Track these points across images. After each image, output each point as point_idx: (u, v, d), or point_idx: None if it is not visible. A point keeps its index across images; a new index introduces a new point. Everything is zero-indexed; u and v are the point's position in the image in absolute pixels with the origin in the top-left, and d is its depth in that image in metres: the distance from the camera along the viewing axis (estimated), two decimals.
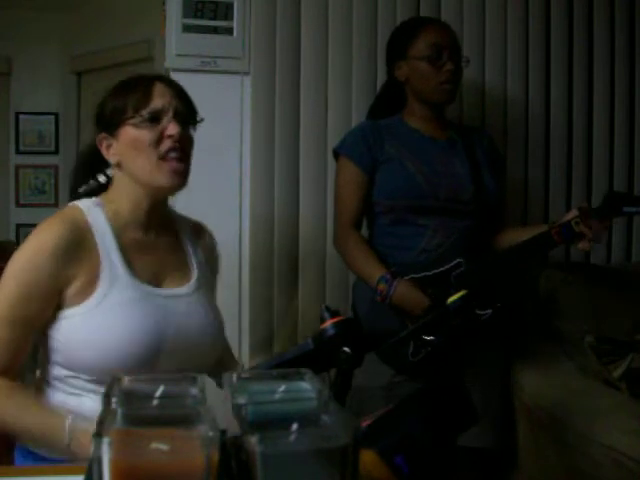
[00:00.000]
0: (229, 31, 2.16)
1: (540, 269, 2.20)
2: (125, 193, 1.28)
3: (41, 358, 1.27)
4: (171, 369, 1.20)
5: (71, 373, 1.21)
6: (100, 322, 1.18)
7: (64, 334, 1.20)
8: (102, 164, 1.31)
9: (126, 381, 0.77)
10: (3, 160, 4.19)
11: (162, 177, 1.25)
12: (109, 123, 1.27)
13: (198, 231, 1.46)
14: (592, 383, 1.79)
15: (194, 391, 0.75)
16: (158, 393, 0.74)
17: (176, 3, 2.11)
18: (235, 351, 2.14)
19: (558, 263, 2.35)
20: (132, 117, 1.24)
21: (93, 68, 3.70)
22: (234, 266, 2.17)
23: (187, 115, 1.30)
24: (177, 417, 0.68)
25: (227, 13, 2.16)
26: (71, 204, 1.28)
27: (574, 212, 1.71)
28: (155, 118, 1.24)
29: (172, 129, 1.25)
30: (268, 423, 0.66)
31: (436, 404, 0.91)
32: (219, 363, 1.41)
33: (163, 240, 1.33)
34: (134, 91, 1.26)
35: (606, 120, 2.48)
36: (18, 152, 4.20)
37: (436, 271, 1.74)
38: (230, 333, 2.14)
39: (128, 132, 1.24)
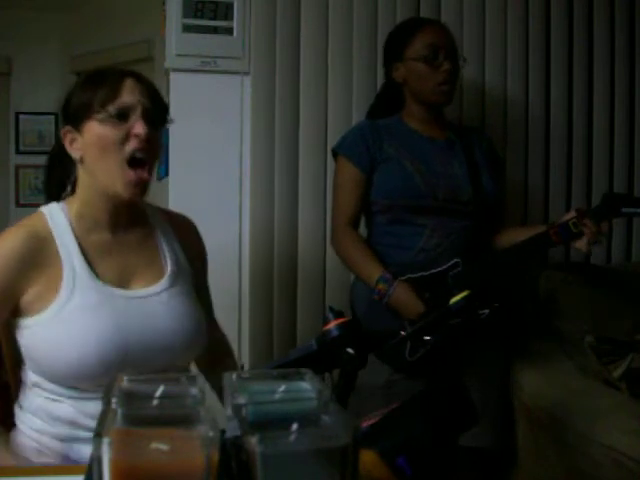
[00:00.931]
0: (229, 31, 2.16)
1: (540, 269, 2.21)
2: (87, 193, 1.24)
3: (17, 364, 1.26)
4: (145, 369, 1.15)
5: (43, 379, 1.20)
6: (61, 329, 1.16)
7: (29, 342, 1.19)
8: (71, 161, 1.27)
9: (126, 381, 0.77)
10: (3, 160, 4.19)
11: (122, 186, 1.19)
12: (74, 116, 1.22)
13: (179, 225, 1.40)
14: (592, 383, 1.79)
15: (194, 391, 0.75)
16: (158, 393, 0.74)
17: (176, 3, 2.11)
18: (235, 352, 2.15)
19: (558, 263, 2.35)
20: (98, 112, 1.18)
21: (93, 68, 3.69)
22: (234, 266, 2.18)
23: (157, 114, 1.23)
24: (177, 417, 0.68)
25: (227, 13, 2.16)
26: (38, 210, 1.25)
27: (572, 213, 1.71)
28: (122, 115, 1.19)
29: (139, 128, 1.18)
30: (268, 423, 0.66)
31: (437, 405, 0.91)
32: (212, 363, 1.39)
33: (132, 238, 1.29)
34: (103, 85, 1.20)
35: (606, 120, 2.48)
36: (18, 152, 4.19)
37: (434, 271, 1.74)
38: (230, 333, 2.15)
39: (93, 128, 1.19)
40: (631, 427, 1.51)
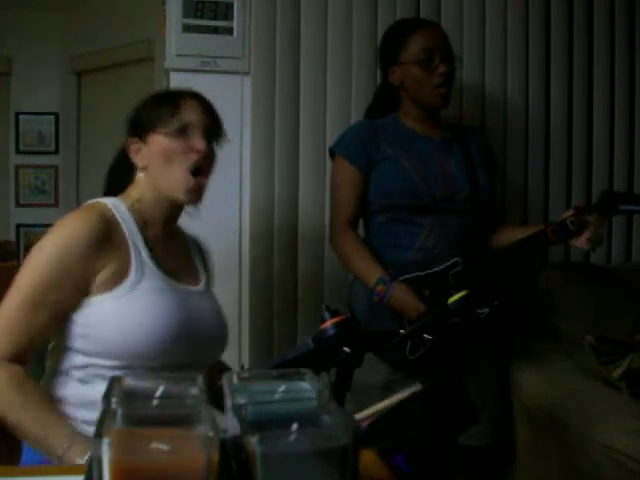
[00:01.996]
0: (229, 31, 2.16)
1: (539, 269, 2.21)
2: (148, 193, 1.36)
3: (55, 348, 1.30)
4: (187, 359, 1.27)
5: (92, 360, 1.24)
6: (131, 308, 1.23)
7: (93, 320, 1.24)
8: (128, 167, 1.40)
9: (126, 381, 0.77)
10: (3, 160, 4.18)
11: (183, 192, 1.33)
12: (140, 128, 1.36)
13: (197, 243, 1.56)
14: (592, 383, 1.79)
15: (194, 391, 0.75)
16: (158, 393, 0.74)
17: (176, 3, 2.12)
18: (235, 351, 2.15)
19: (558, 263, 2.35)
20: (163, 126, 1.32)
21: (93, 68, 3.69)
22: (234, 266, 2.18)
23: (214, 131, 1.40)
24: (177, 417, 0.68)
25: (227, 13, 2.16)
26: (91, 201, 1.33)
27: (570, 211, 1.72)
28: (183, 130, 1.33)
29: (199, 143, 1.33)
30: (268, 423, 0.66)
31: (436, 404, 0.91)
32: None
33: (175, 246, 1.42)
34: (167, 102, 1.36)
35: (606, 120, 2.48)
36: (18, 152, 4.19)
37: (433, 270, 1.74)
38: (230, 333, 2.15)
39: (157, 140, 1.33)
40: (631, 427, 1.51)
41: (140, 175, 1.37)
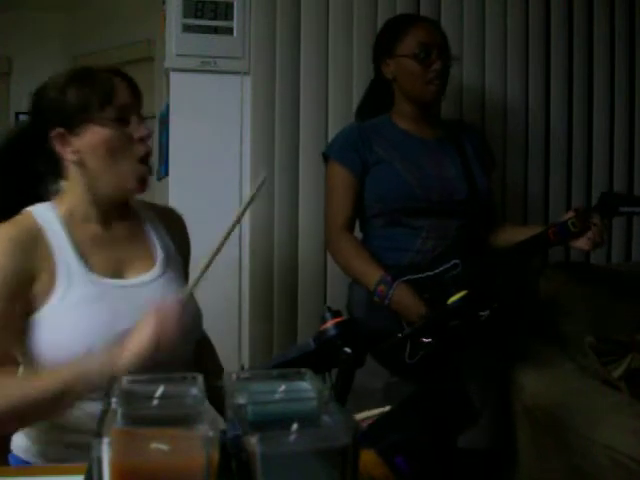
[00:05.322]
0: (229, 31, 2.16)
1: (540, 269, 2.21)
2: (82, 191, 1.23)
3: (25, 372, 1.23)
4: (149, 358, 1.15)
5: None
6: (62, 322, 1.15)
7: (34, 337, 1.17)
8: (33, 155, 1.25)
9: (126, 381, 0.77)
10: None
11: (134, 184, 1.22)
12: (68, 119, 1.19)
13: (165, 214, 1.41)
14: (592, 383, 1.78)
15: (194, 391, 0.75)
16: (158, 393, 0.74)
17: (176, 3, 2.11)
18: (235, 352, 2.15)
19: (558, 263, 2.35)
20: (98, 116, 1.18)
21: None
22: (234, 266, 2.17)
23: (139, 110, 1.25)
24: (177, 417, 0.68)
25: (227, 13, 2.15)
26: (23, 210, 1.23)
27: (571, 213, 1.71)
28: (122, 117, 1.20)
29: (143, 130, 1.21)
30: (268, 423, 0.66)
31: (436, 405, 0.91)
32: (198, 363, 1.35)
33: (122, 231, 1.29)
34: (96, 86, 1.19)
35: (606, 121, 2.48)
36: None
37: (433, 272, 1.73)
38: (230, 334, 2.14)
39: (95, 131, 1.19)
40: (631, 427, 1.51)
41: (73, 171, 1.23)
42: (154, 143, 2.52)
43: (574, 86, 2.45)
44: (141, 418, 0.68)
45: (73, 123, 1.19)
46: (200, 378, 0.78)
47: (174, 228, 1.40)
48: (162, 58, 2.21)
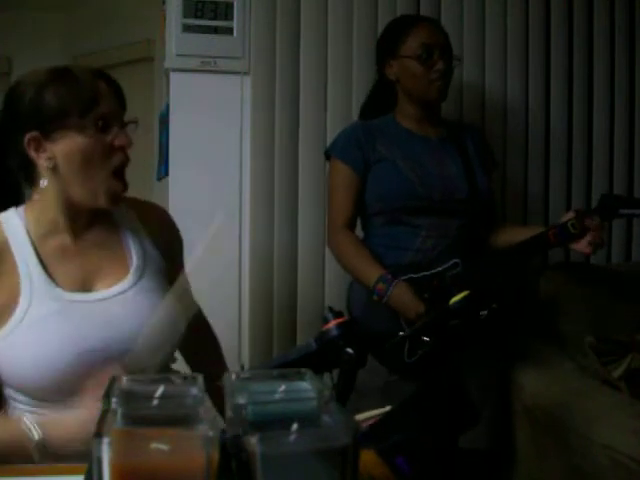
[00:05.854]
0: (229, 31, 2.16)
1: (540, 270, 2.21)
2: (52, 198, 1.17)
3: None
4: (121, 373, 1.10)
5: (16, 394, 1.15)
6: (22, 341, 1.10)
7: None
8: (4, 157, 1.18)
9: (126, 381, 0.77)
10: None
11: (105, 198, 1.15)
12: (45, 123, 1.12)
13: (146, 215, 1.31)
14: (592, 383, 1.78)
15: (194, 391, 0.75)
16: (158, 393, 0.74)
17: (176, 3, 2.11)
18: (235, 352, 2.15)
19: (558, 263, 2.35)
20: (77, 122, 1.11)
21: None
22: (234, 266, 2.17)
23: (123, 115, 1.18)
24: (177, 417, 0.68)
25: (227, 13, 2.15)
26: None
27: (570, 214, 1.72)
28: (104, 125, 1.13)
29: (123, 140, 1.14)
30: (268, 423, 0.66)
31: (437, 405, 0.91)
32: (196, 366, 1.34)
33: (94, 238, 1.22)
34: (77, 90, 1.12)
35: (606, 121, 2.48)
36: None
37: (433, 271, 1.73)
38: (230, 333, 2.15)
39: (72, 139, 1.12)
40: (631, 427, 1.51)
41: (46, 178, 1.15)
42: (154, 143, 2.53)
43: (574, 86, 2.44)
44: (141, 418, 0.68)
45: (50, 128, 1.12)
46: (200, 378, 0.78)
47: (157, 227, 1.32)
48: (162, 58, 2.21)
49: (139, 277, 1.22)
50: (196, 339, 1.33)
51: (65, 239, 1.19)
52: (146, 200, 1.37)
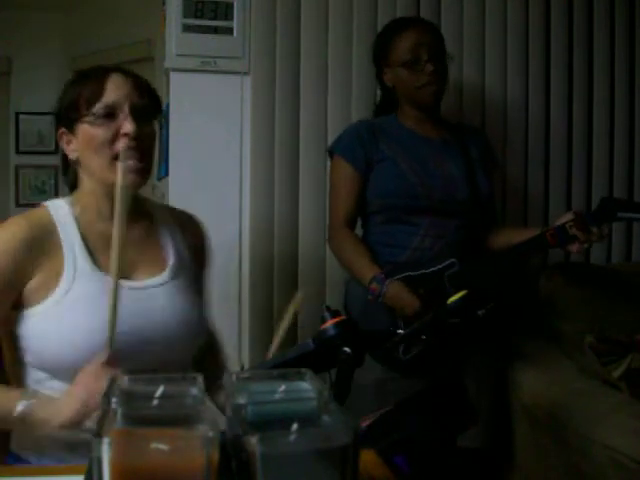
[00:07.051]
0: (229, 31, 2.16)
1: (540, 269, 2.21)
2: (88, 189, 1.26)
3: (11, 365, 1.24)
4: (145, 361, 1.15)
5: (46, 375, 1.18)
6: (63, 317, 1.15)
7: (31, 334, 1.18)
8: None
9: (126, 381, 0.77)
10: (3, 160, 4.18)
11: (109, 178, 1.19)
12: (66, 119, 1.24)
13: (183, 221, 1.41)
14: (592, 383, 1.79)
15: (194, 391, 0.75)
16: (158, 393, 0.74)
17: (176, 3, 2.11)
18: (235, 352, 2.15)
19: (558, 263, 2.35)
20: (86, 113, 1.20)
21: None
22: (234, 265, 2.17)
23: (146, 110, 1.24)
24: (177, 417, 0.68)
25: (227, 13, 2.15)
26: (40, 204, 1.27)
27: (569, 215, 1.72)
28: (110, 114, 1.20)
29: (127, 127, 1.19)
30: (268, 423, 0.66)
31: (436, 404, 0.91)
32: (199, 362, 1.35)
33: (135, 232, 1.28)
34: (87, 84, 1.22)
35: (606, 122, 2.48)
36: (18, 152, 4.19)
37: (429, 270, 1.74)
38: (230, 332, 2.14)
39: (84, 130, 1.21)
40: (631, 427, 1.51)
41: (79, 170, 1.27)
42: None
43: (574, 86, 2.44)
44: (141, 418, 0.69)
45: (69, 123, 1.24)
46: (200, 378, 0.78)
47: (192, 236, 1.40)
48: (162, 58, 2.21)
49: (174, 275, 1.29)
50: (206, 345, 1.37)
51: (109, 227, 1.21)
52: (185, 210, 1.44)
